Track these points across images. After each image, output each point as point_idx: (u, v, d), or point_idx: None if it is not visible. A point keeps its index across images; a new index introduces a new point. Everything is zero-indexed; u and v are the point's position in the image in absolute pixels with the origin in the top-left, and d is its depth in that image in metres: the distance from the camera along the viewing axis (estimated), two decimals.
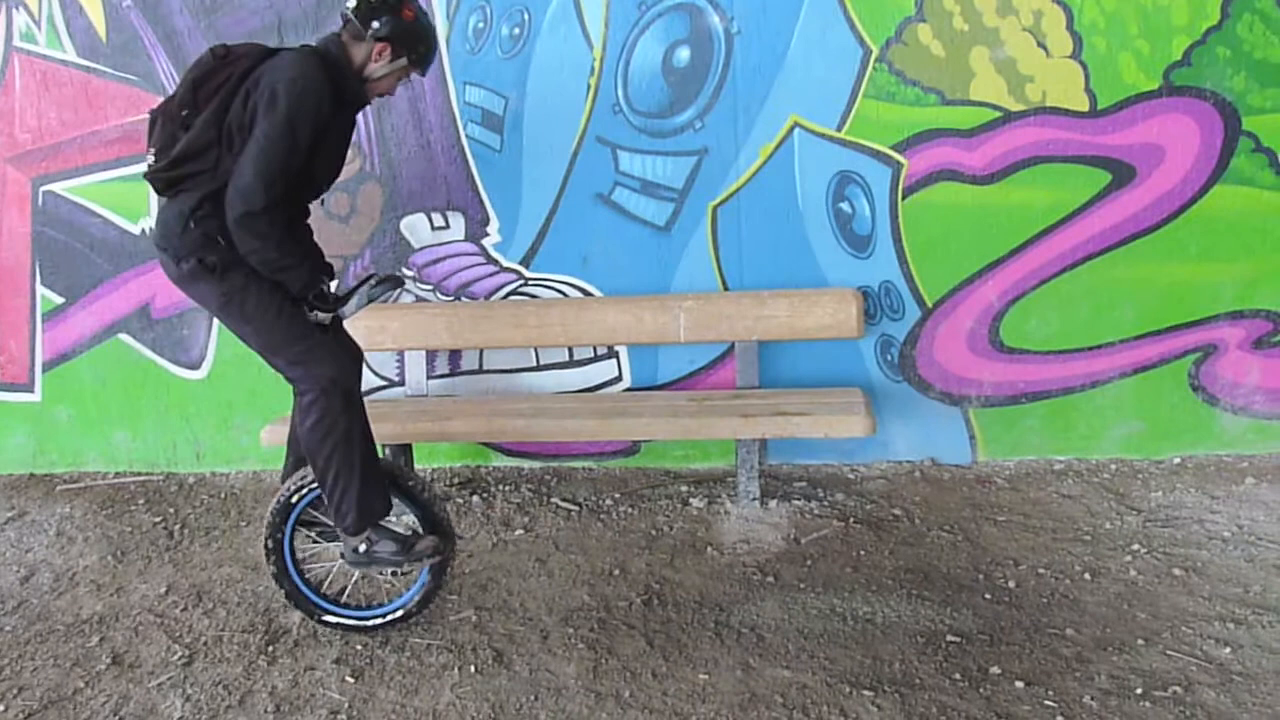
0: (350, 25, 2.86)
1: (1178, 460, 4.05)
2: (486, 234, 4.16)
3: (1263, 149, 3.79)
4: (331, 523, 3.03)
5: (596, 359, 4.25)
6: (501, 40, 3.97)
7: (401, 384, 4.31)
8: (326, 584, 3.30)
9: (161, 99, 3.92)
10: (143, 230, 4.29)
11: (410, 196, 4.14)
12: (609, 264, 4.13)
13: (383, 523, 3.00)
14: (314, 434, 2.87)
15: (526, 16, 3.95)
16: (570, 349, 4.24)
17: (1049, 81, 3.81)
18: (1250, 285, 3.92)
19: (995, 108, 3.85)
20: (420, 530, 3.11)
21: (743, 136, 3.96)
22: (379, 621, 3.14)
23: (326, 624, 3.14)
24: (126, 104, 4.18)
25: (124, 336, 4.43)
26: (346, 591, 3.29)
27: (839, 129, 3.92)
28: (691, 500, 3.95)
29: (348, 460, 2.89)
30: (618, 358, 4.24)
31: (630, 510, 3.91)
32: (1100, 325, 4.00)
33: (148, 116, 2.93)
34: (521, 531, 3.79)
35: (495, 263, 4.18)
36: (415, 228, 4.19)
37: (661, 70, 3.94)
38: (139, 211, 4.28)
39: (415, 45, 2.90)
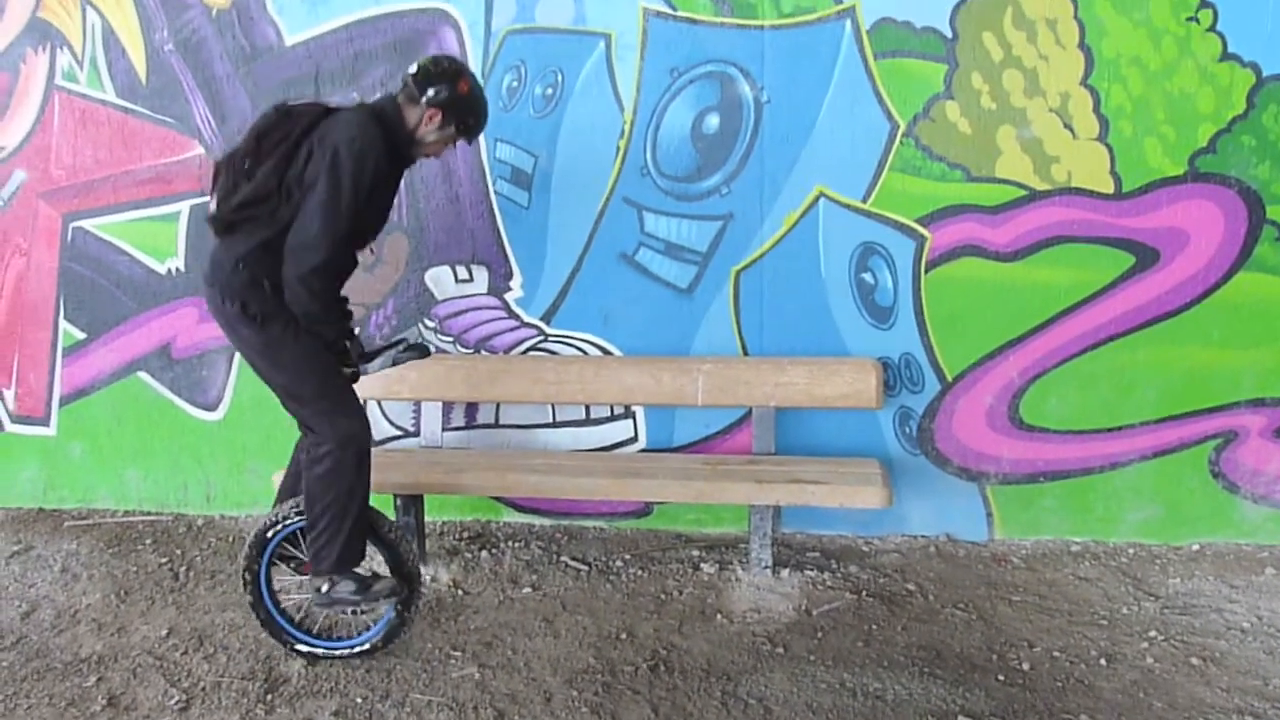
0: (408, 88, 3.03)
1: (1196, 547, 3.99)
2: (509, 289, 4.18)
3: None
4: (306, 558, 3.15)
5: (613, 418, 4.24)
6: (534, 100, 4.03)
7: (416, 434, 4.30)
8: (300, 615, 3.35)
9: (196, 142, 4.04)
10: (169, 270, 4.33)
11: (436, 249, 4.18)
12: (630, 324, 4.14)
13: None
14: (321, 482, 2.99)
15: (560, 78, 4.01)
16: (587, 407, 4.23)
17: (1075, 162, 3.84)
18: (1272, 373, 3.89)
19: (1021, 186, 3.87)
20: (388, 571, 3.24)
21: (768, 204, 3.99)
22: (346, 653, 3.25)
23: (298, 653, 3.26)
24: (162, 145, 4.25)
25: (143, 375, 4.45)
26: (318, 623, 3.38)
27: (864, 200, 3.95)
28: (703, 565, 3.91)
29: (343, 514, 3.03)
30: (634, 418, 4.23)
31: (640, 573, 3.87)
32: (1121, 407, 3.97)
33: (188, 155, 3.06)
34: (529, 589, 3.75)
35: (517, 318, 4.20)
36: (439, 279, 4.21)
37: (690, 135, 3.98)
38: (166, 252, 4.33)
39: (465, 117, 3.08)
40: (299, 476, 3.22)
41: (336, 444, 2.97)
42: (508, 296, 4.19)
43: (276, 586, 3.29)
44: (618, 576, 3.84)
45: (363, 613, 3.28)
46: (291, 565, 3.32)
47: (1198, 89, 3.75)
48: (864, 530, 4.16)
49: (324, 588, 3.08)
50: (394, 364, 3.21)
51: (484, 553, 4.04)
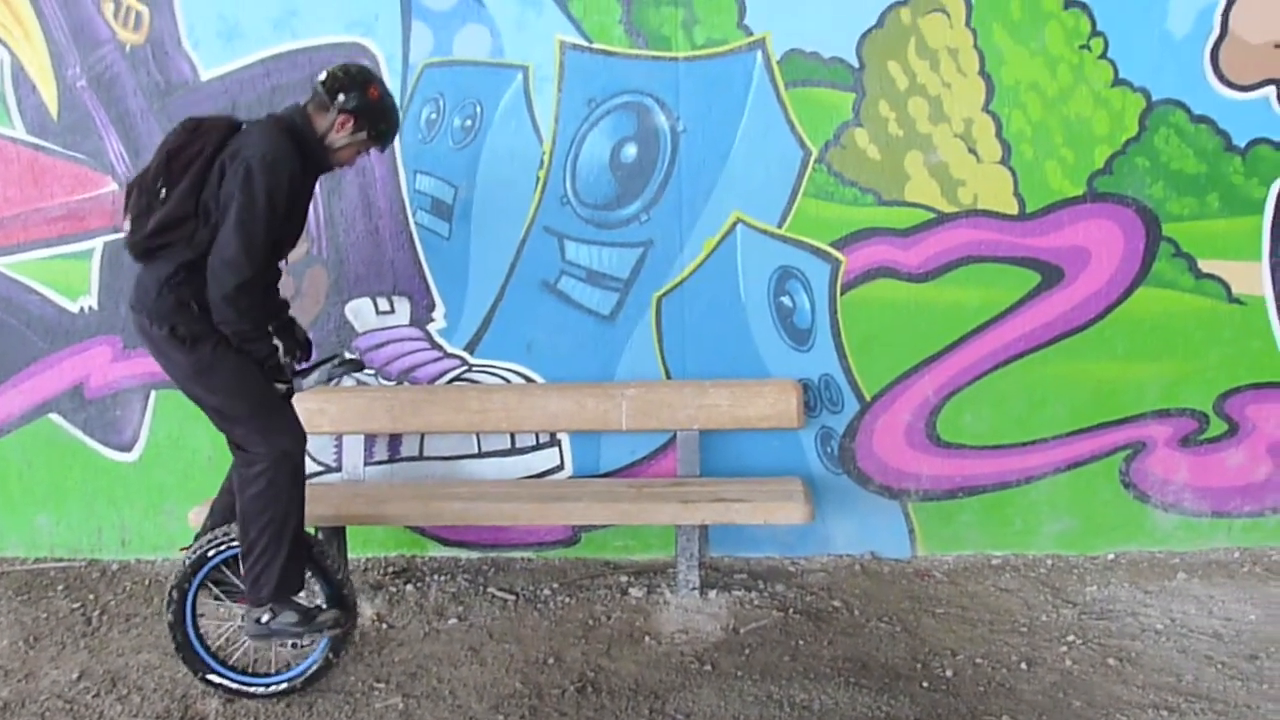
0: (318, 96, 3.04)
1: (1111, 556, 4.10)
2: (432, 319, 4.17)
3: (1182, 254, 3.96)
4: (242, 585, 3.04)
5: (538, 447, 4.23)
6: (453, 131, 4.07)
7: (338, 469, 4.24)
8: (220, 646, 3.27)
9: (110, 178, 4.00)
10: (81, 308, 4.25)
11: (357, 281, 4.16)
12: (553, 352, 4.16)
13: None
14: (256, 503, 2.93)
15: (479, 109, 4.06)
16: (512, 436, 4.22)
17: (980, 185, 3.98)
18: (1175, 384, 4.04)
19: (929, 209, 4.00)
20: (325, 604, 3.14)
21: (687, 230, 4.06)
22: (261, 691, 3.14)
23: (208, 683, 3.14)
24: (74, 182, 4.18)
25: (54, 416, 4.33)
26: (235, 656, 3.26)
27: (780, 226, 4.04)
28: (631, 590, 3.90)
29: (280, 534, 2.95)
30: (560, 446, 4.22)
31: (568, 600, 3.84)
32: (1033, 421, 4.08)
33: (102, 191, 3.02)
34: (455, 620, 3.70)
35: (440, 348, 4.19)
36: (360, 312, 4.19)
37: (609, 164, 4.04)
38: (79, 290, 4.24)
39: (376, 122, 3.09)
40: (230, 500, 3.14)
41: (271, 461, 2.92)
42: (430, 328, 4.18)
43: (200, 612, 3.17)
44: (545, 605, 3.81)
45: (302, 646, 3.17)
46: (225, 590, 3.20)
47: (1093, 113, 3.92)
48: (790, 551, 4.20)
49: (263, 618, 2.97)
50: (329, 379, 3.21)
51: (409, 586, 3.98)
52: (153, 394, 4.26)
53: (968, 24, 3.89)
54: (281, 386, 3.08)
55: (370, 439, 4.21)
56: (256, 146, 2.86)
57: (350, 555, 4.01)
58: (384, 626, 3.65)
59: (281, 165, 2.86)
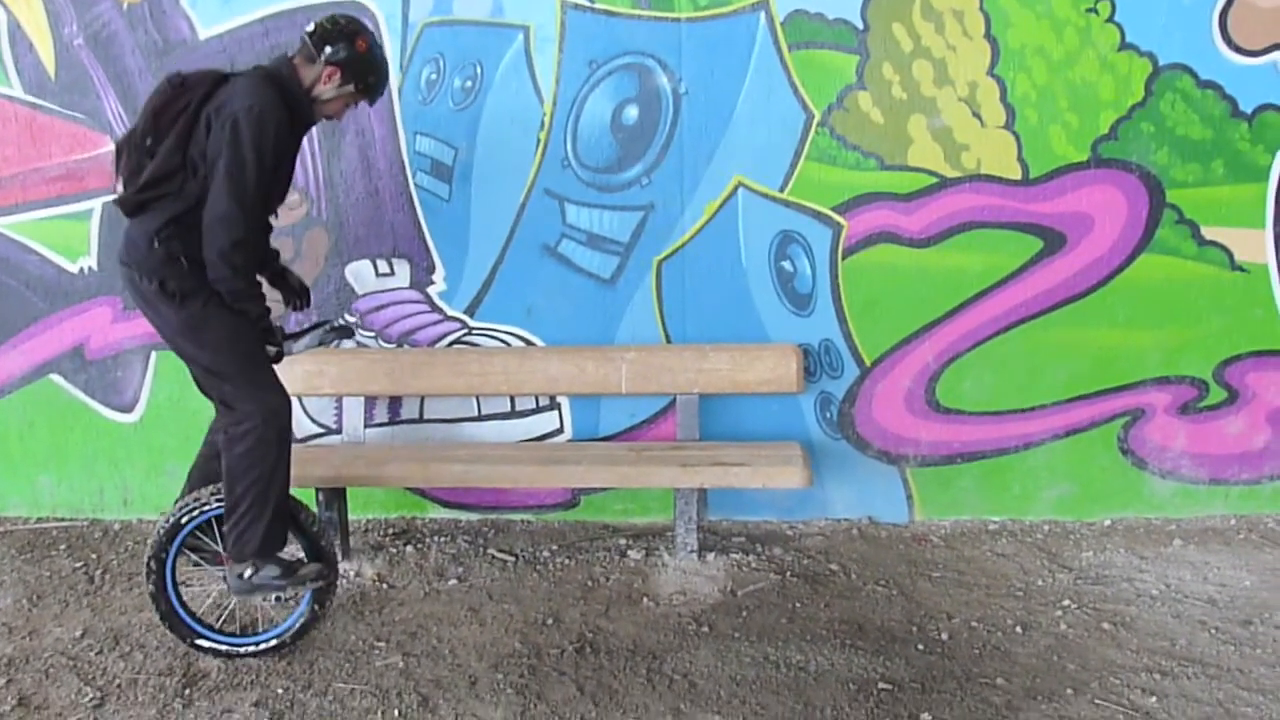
0: (305, 48, 3.01)
1: (1108, 522, 4.11)
2: (432, 282, 4.16)
3: (1185, 221, 3.94)
4: (220, 547, 3.09)
5: (538, 410, 4.24)
6: (453, 92, 4.04)
7: (338, 431, 4.24)
8: (205, 609, 3.29)
9: (108, 137, 3.98)
10: (81, 269, 4.24)
11: (356, 243, 4.15)
12: (553, 315, 4.15)
13: None
14: (242, 461, 2.93)
15: (479, 70, 4.02)
16: (512, 399, 4.22)
17: (983, 150, 3.95)
18: (1176, 352, 4.03)
19: (932, 174, 3.97)
20: (305, 558, 3.18)
21: (688, 194, 4.04)
22: (252, 649, 3.17)
23: (199, 648, 3.17)
24: (72, 142, 4.16)
25: (55, 377, 4.34)
26: (222, 618, 3.29)
27: (781, 190, 4.02)
28: (629, 552, 3.92)
29: (266, 492, 2.98)
30: (559, 410, 4.23)
31: (567, 562, 3.87)
32: (1033, 388, 4.08)
33: (100, 151, 3.00)
34: (455, 581, 3.73)
35: (440, 311, 4.18)
36: (360, 274, 4.18)
37: (610, 127, 4.02)
38: (78, 250, 4.23)
39: (365, 75, 3.06)
40: (209, 464, 3.18)
41: (260, 419, 2.93)
42: (430, 290, 4.17)
43: (181, 579, 3.20)
44: (545, 566, 3.84)
45: (286, 599, 3.21)
46: (203, 556, 3.23)
47: (1099, 78, 3.88)
48: (788, 515, 4.21)
49: (246, 573, 3.00)
50: (320, 344, 3.20)
51: (409, 548, 4.01)
52: (153, 355, 4.26)
53: None
54: (272, 349, 3.09)
55: (370, 401, 4.22)
56: (242, 99, 2.83)
57: (351, 516, 4.02)
58: (384, 587, 3.68)
59: (268, 117, 2.84)
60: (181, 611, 3.16)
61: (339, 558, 3.44)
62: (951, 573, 3.71)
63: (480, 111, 4.04)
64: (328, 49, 2.98)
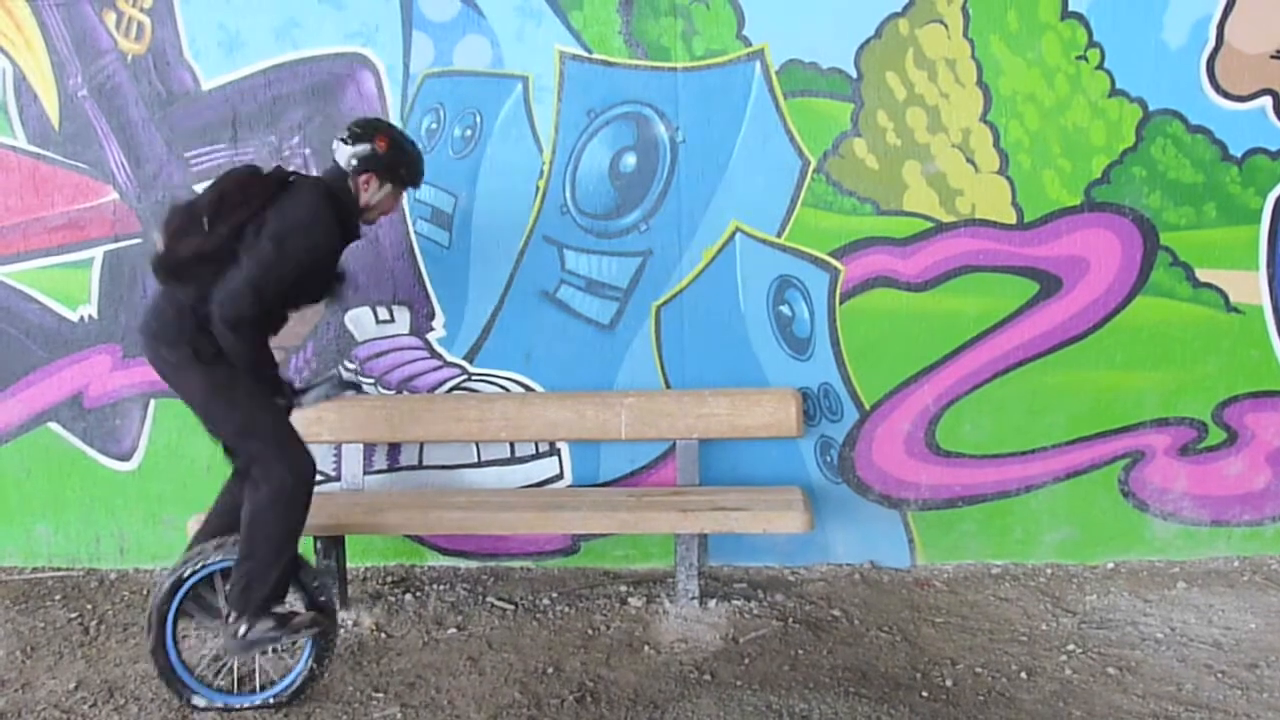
0: (336, 166, 3.16)
1: (1111, 565, 4.09)
2: (432, 328, 4.18)
3: (1180, 263, 3.97)
4: (219, 601, 3.09)
5: (538, 456, 4.23)
6: (453, 141, 4.08)
7: (337, 478, 4.23)
8: (203, 666, 3.26)
9: (110, 187, 4.02)
10: (81, 317, 4.25)
11: (356, 290, 4.16)
12: (553, 361, 4.16)
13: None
14: (267, 516, 2.99)
15: (479, 119, 4.07)
16: (511, 445, 4.22)
17: (978, 195, 3.99)
18: (1174, 393, 4.04)
19: (928, 218, 4.01)
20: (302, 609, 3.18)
21: (686, 239, 4.07)
22: (248, 706, 3.14)
23: (195, 707, 3.14)
24: (74, 191, 4.19)
25: (54, 425, 4.33)
26: (219, 674, 3.26)
27: (779, 235, 4.05)
28: (630, 599, 3.89)
29: (282, 548, 3.02)
30: (559, 455, 4.22)
31: (567, 609, 3.84)
32: (1033, 430, 4.08)
33: (102, 200, 3.12)
34: (454, 630, 3.69)
35: (439, 357, 4.19)
36: (360, 321, 4.19)
37: (609, 174, 4.06)
38: (78, 299, 4.25)
39: (395, 169, 3.19)
40: (222, 520, 3.21)
41: (292, 477, 3.00)
42: (430, 336, 4.18)
43: (180, 634, 3.18)
44: (545, 614, 3.81)
45: (282, 652, 3.20)
46: (203, 610, 3.19)
47: (1090, 123, 3.94)
48: (790, 560, 4.19)
49: (242, 630, 3.00)
50: (327, 398, 3.26)
51: (408, 596, 3.98)
52: (152, 403, 4.26)
53: (965, 35, 3.91)
54: (281, 403, 3.14)
55: (369, 448, 4.21)
56: (300, 211, 2.99)
57: (349, 564, 4.00)
58: (382, 636, 3.65)
59: (317, 235, 3.01)
60: (180, 669, 3.14)
61: (337, 607, 3.39)
62: (955, 618, 3.68)
63: (480, 160, 4.09)
64: (354, 161, 3.12)
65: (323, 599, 3.19)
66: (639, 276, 4.10)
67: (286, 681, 3.17)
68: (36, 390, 4.32)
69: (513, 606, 3.87)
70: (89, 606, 4.02)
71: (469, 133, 4.08)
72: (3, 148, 4.21)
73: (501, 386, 4.19)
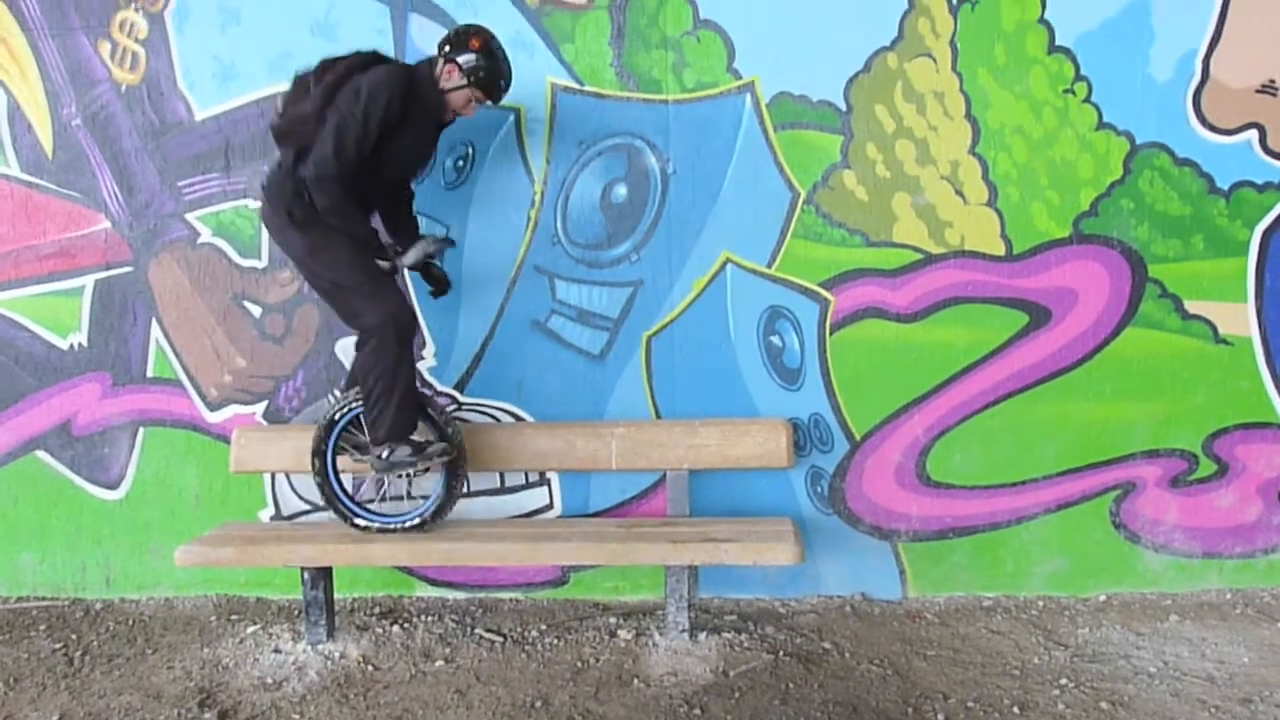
0: (439, 49, 3.52)
1: (1103, 598, 4.08)
2: (422, 358, 4.17)
3: (1168, 295, 3.99)
4: (365, 437, 3.65)
5: (528, 486, 4.22)
6: (445, 171, 4.10)
7: (325, 509, 4.19)
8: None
9: (102, 215, 4.03)
10: (71, 345, 4.24)
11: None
12: (543, 391, 4.16)
13: None
14: (369, 358, 3.51)
15: (470, 150, 4.09)
16: (501, 475, 4.20)
17: (967, 227, 4.01)
18: (1164, 425, 4.04)
19: (917, 250, 4.02)
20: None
21: (677, 270, 4.08)
22: (399, 527, 3.76)
23: (357, 527, 3.76)
24: (67, 220, 4.20)
25: (41, 454, 4.31)
26: (374, 501, 3.98)
27: (769, 266, 4.06)
28: (620, 632, 3.86)
29: (391, 385, 3.51)
30: (549, 486, 4.21)
31: (556, 642, 3.81)
32: (1023, 461, 4.08)
33: (94, 229, 3.86)
34: (442, 662, 3.66)
35: (430, 387, 4.18)
36: (350, 350, 4.16)
37: (600, 205, 4.07)
38: (69, 326, 4.24)
39: (475, 72, 3.49)
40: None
41: (379, 322, 3.46)
42: (420, 366, 4.17)
43: (340, 468, 3.76)
44: (533, 646, 3.78)
45: (419, 473, 3.78)
46: (350, 450, 3.74)
47: (1078, 156, 3.96)
48: (780, 592, 4.17)
49: (383, 454, 3.56)
50: (425, 255, 3.61)
51: (395, 627, 3.95)
52: (140, 432, 4.24)
53: (953, 68, 3.95)
54: (384, 264, 3.57)
55: (358, 478, 4.18)
56: (377, 73, 3.36)
57: (337, 595, 3.97)
58: (370, 668, 3.61)
59: (386, 92, 3.32)
60: (343, 497, 3.77)
61: (462, 439, 3.84)
62: (946, 651, 3.66)
63: (472, 190, 4.10)
64: (447, 48, 3.49)
65: (450, 431, 3.72)
66: (630, 307, 4.10)
67: (427, 505, 3.79)
68: (25, 418, 4.31)
69: (501, 638, 3.84)
70: (74, 637, 3.98)
71: (460, 163, 4.10)
72: None
73: (492, 416, 4.18)
